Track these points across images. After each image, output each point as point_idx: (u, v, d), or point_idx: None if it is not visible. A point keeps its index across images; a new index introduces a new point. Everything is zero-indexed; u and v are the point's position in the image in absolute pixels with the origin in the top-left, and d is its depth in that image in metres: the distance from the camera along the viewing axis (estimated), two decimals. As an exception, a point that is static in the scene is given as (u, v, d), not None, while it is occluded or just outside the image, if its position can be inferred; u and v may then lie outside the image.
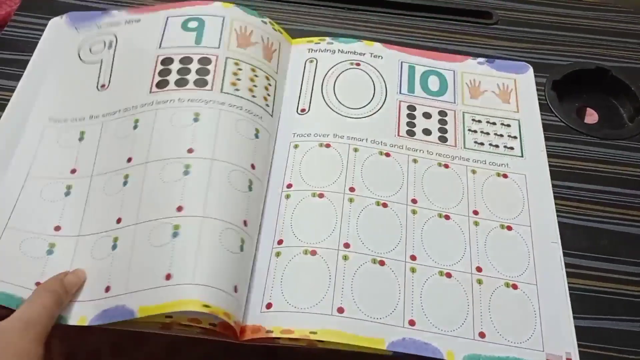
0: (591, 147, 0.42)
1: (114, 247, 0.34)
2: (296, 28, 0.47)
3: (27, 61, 0.43)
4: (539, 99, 0.44)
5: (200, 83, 0.39)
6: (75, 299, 0.33)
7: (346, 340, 0.32)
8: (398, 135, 0.41)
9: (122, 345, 0.37)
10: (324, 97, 0.43)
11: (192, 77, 0.40)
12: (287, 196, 0.38)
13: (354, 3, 0.50)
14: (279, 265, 0.35)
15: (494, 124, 0.43)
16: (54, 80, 0.42)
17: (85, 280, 0.34)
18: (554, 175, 0.40)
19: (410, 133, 0.42)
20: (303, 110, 0.42)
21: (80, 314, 0.32)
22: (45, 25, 0.45)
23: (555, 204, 0.39)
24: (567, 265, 0.36)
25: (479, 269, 0.36)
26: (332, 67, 0.44)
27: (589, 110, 0.46)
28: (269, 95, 0.41)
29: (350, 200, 0.37)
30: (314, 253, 0.35)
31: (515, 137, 0.42)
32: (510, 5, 0.51)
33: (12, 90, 0.41)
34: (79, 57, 0.43)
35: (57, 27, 0.45)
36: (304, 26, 0.48)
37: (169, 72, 0.40)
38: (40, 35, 0.44)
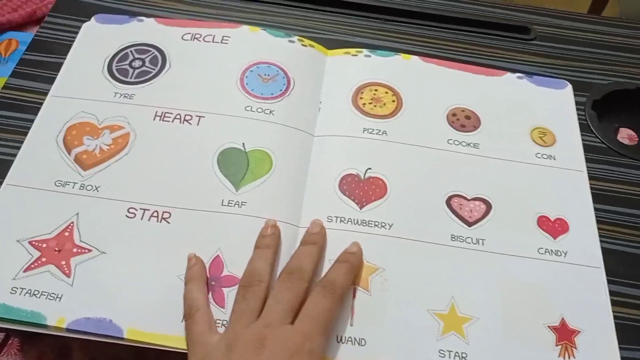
0: (632, 169, 0.42)
1: None
2: (333, 38, 0.47)
3: (60, 64, 0.42)
4: (578, 119, 0.44)
5: None
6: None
7: None
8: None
9: (145, 354, 0.37)
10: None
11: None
12: None
13: (390, 14, 0.49)
14: None
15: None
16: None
17: None
18: (595, 198, 0.39)
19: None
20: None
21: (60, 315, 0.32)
22: (78, 27, 0.45)
23: (598, 228, 0.38)
24: (610, 293, 0.35)
25: None
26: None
27: (629, 132, 0.46)
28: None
29: None
30: None
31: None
32: (549, 21, 0.50)
33: (46, 94, 0.41)
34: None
35: (90, 31, 0.45)
36: (341, 36, 0.47)
37: None
38: (73, 37, 0.44)
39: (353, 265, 0.34)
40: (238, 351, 0.29)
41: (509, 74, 0.46)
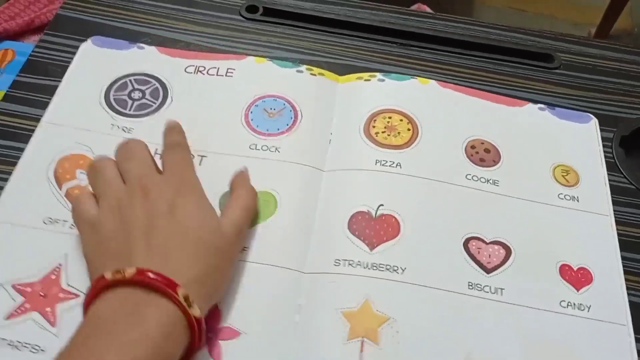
0: (664, 214, 0.39)
1: None
2: (346, 63, 0.44)
3: (55, 87, 0.40)
4: (605, 157, 0.41)
5: None
6: None
7: None
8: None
9: None
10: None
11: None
12: None
13: (406, 38, 0.46)
14: None
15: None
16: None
17: None
18: (622, 246, 0.37)
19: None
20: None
21: None
22: (76, 47, 0.42)
23: (625, 279, 0.35)
24: (639, 354, 0.33)
25: None
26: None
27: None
28: None
29: None
30: None
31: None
32: (574, 49, 0.47)
33: (39, 120, 0.38)
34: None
35: (87, 53, 0.42)
36: (355, 61, 0.44)
37: None
38: (70, 58, 0.42)
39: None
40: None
41: (530, 105, 0.43)
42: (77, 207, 0.32)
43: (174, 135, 0.36)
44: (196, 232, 0.30)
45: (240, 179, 0.35)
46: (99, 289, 0.28)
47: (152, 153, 0.37)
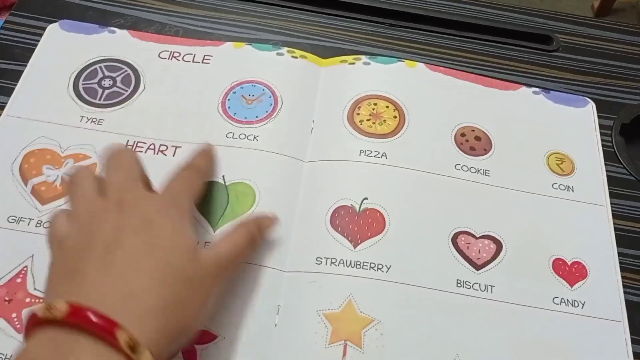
0: (663, 207, 0.37)
1: None
2: (330, 45, 0.41)
3: (21, 71, 0.38)
4: (603, 145, 0.39)
5: None
6: None
7: None
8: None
9: None
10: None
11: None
12: None
13: (395, 18, 0.44)
14: None
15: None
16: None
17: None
18: (619, 240, 0.35)
19: None
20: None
21: None
22: (44, 28, 0.40)
23: (621, 276, 0.34)
24: (635, 355, 0.31)
25: None
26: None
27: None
28: None
29: None
30: None
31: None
32: (574, 30, 0.45)
33: (3, 108, 0.36)
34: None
35: (54, 37, 0.39)
36: (340, 43, 0.42)
37: None
38: (38, 40, 0.39)
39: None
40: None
41: (523, 88, 0.41)
42: (50, 225, 0.28)
43: (200, 158, 0.32)
44: (167, 254, 0.26)
45: (245, 221, 0.32)
46: (30, 326, 0.24)
47: (124, 144, 0.35)
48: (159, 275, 0.25)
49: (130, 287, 0.24)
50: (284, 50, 0.40)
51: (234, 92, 0.38)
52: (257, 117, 0.37)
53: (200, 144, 0.33)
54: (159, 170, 0.34)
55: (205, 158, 0.33)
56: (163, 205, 0.28)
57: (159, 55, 0.39)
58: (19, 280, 0.30)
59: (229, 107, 0.37)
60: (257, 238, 0.31)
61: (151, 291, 0.25)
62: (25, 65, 0.38)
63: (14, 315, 0.29)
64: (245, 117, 0.37)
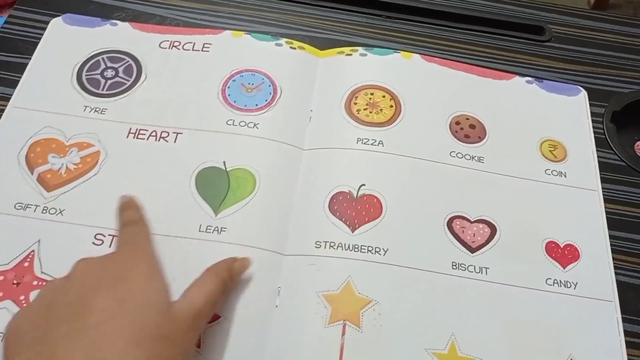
0: (653, 191, 0.38)
1: None
2: (327, 37, 0.42)
3: (27, 64, 0.38)
4: (595, 132, 0.40)
5: None
6: None
7: None
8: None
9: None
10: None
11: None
12: None
13: (391, 10, 0.45)
14: None
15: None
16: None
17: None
18: (610, 224, 0.36)
19: None
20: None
21: None
22: (47, 22, 0.41)
23: (612, 258, 0.35)
24: (626, 333, 0.32)
25: None
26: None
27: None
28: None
29: None
30: None
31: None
32: (565, 20, 0.46)
33: (9, 100, 0.37)
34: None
35: (57, 31, 0.40)
36: (337, 35, 0.43)
37: None
38: (42, 34, 0.40)
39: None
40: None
41: (517, 78, 0.42)
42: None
43: (130, 213, 0.32)
44: (140, 312, 0.25)
45: (215, 266, 0.31)
46: None
47: (126, 133, 0.36)
48: (134, 335, 0.24)
49: (103, 355, 0.23)
50: (283, 41, 0.41)
51: (234, 80, 0.39)
52: (256, 105, 0.38)
53: (121, 197, 0.32)
54: (162, 156, 0.35)
55: (134, 209, 0.32)
56: (131, 260, 0.27)
57: (159, 45, 0.40)
58: (26, 264, 0.31)
59: (229, 95, 0.38)
60: (228, 284, 0.30)
61: (127, 355, 0.23)
62: (30, 58, 0.39)
63: (21, 297, 0.30)
64: (245, 105, 0.38)
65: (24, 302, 0.30)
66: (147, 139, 0.36)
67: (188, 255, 0.32)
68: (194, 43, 0.41)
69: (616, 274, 0.34)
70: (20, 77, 0.38)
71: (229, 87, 0.39)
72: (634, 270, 0.35)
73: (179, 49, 0.40)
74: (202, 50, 0.40)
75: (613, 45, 0.45)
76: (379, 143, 0.37)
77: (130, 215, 0.31)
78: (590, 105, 0.41)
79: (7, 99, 0.37)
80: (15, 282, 0.31)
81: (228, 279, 0.30)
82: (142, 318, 0.25)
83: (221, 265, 0.31)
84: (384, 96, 0.40)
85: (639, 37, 0.45)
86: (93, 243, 0.32)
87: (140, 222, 0.31)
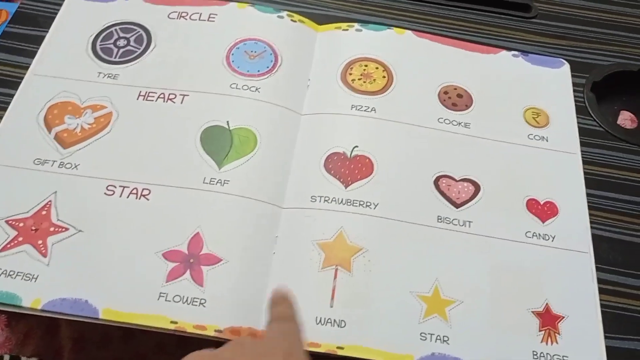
0: (630, 154, 0.40)
1: None
2: (325, 13, 0.45)
3: (44, 37, 0.41)
4: (576, 101, 0.42)
5: None
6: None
7: (373, 356, 0.31)
8: None
9: (132, 331, 0.36)
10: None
11: None
12: None
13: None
14: None
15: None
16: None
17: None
18: (588, 183, 0.38)
19: None
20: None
21: (36, 296, 0.31)
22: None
23: (589, 214, 0.37)
24: (599, 280, 0.35)
25: None
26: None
27: (629, 115, 0.44)
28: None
29: None
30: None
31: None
32: (553, -2, 0.48)
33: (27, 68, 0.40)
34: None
35: (73, 6, 0.43)
36: (334, 11, 0.45)
37: None
38: (58, 9, 0.43)
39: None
40: None
41: (504, 52, 0.44)
42: None
43: (282, 309, 0.30)
44: None
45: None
46: None
47: (136, 96, 0.39)
48: None
49: None
50: (284, 13, 0.44)
51: (238, 48, 0.42)
52: (258, 71, 0.41)
53: (274, 290, 0.31)
54: (169, 116, 0.38)
55: (287, 305, 0.30)
56: (276, 355, 0.26)
57: (168, 16, 0.43)
58: (44, 212, 0.34)
59: (232, 61, 0.41)
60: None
61: None
62: (47, 32, 0.42)
63: (39, 242, 0.33)
64: (248, 71, 0.41)
65: (41, 245, 0.33)
66: (156, 100, 0.39)
67: (193, 204, 0.35)
68: (201, 13, 0.43)
69: (592, 228, 0.36)
70: (38, 49, 0.41)
71: (233, 54, 0.41)
72: (608, 224, 0.37)
73: (186, 19, 0.43)
74: (208, 20, 0.43)
75: (595, 21, 0.47)
76: (371, 110, 0.40)
77: (283, 312, 0.30)
78: (573, 76, 0.43)
79: (27, 68, 0.40)
80: (33, 228, 0.33)
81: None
82: None
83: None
84: (377, 68, 0.42)
85: (619, 13, 0.48)
86: (105, 194, 0.35)
87: (293, 320, 0.29)
